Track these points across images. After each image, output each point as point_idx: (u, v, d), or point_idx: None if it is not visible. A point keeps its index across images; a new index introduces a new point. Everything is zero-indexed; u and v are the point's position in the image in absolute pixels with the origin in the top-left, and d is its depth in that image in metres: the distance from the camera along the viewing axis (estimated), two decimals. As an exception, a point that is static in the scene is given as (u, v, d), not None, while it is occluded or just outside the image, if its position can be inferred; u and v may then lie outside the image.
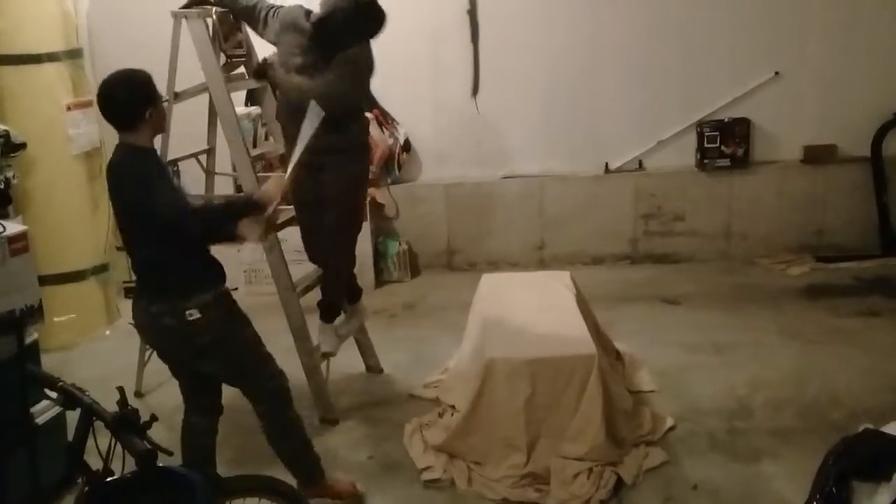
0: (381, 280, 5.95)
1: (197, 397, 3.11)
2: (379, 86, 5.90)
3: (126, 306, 5.55)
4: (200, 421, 3.12)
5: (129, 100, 2.76)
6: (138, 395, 4.33)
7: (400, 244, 6.00)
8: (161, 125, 2.92)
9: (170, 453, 2.01)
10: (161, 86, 3.97)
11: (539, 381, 3.37)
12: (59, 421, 3.31)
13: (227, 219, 2.94)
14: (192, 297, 2.78)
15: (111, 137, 5.37)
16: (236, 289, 5.84)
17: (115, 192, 2.85)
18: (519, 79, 5.87)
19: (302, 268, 4.93)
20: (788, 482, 3.22)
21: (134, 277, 3.00)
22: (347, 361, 4.44)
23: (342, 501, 3.22)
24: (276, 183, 3.10)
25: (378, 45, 5.76)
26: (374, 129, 5.79)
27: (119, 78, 2.80)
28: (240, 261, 5.83)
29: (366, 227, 5.82)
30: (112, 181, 2.86)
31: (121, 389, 2.05)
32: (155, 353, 4.39)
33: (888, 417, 3.39)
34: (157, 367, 4.48)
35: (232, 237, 2.94)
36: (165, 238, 2.75)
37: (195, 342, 2.82)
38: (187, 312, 2.76)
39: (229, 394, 4.32)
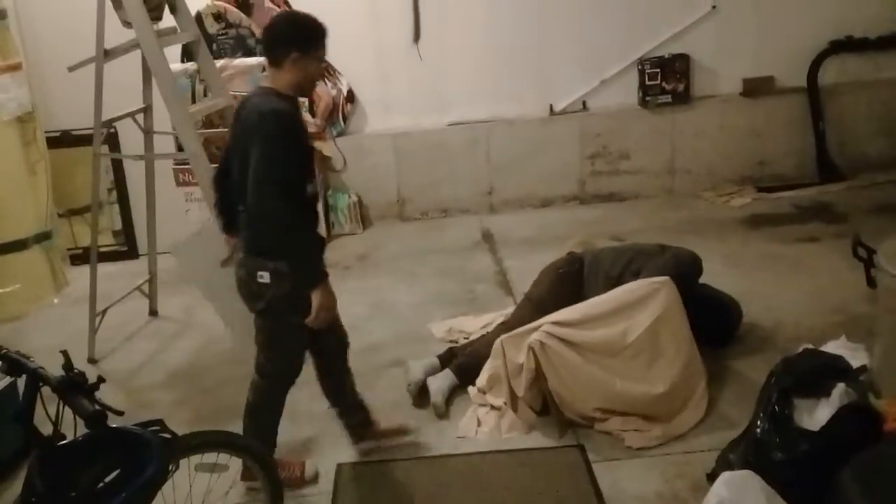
0: (332, 234, 5.93)
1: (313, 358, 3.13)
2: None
3: (73, 274, 5.52)
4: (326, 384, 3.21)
5: (276, 34, 2.71)
6: (91, 361, 4.29)
7: (350, 196, 5.97)
8: (306, 82, 2.76)
9: (119, 413, 2.00)
10: (91, 44, 3.96)
11: None
12: (11, 392, 3.27)
13: (305, 245, 2.72)
14: (272, 260, 2.71)
15: (43, 101, 5.29)
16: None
17: (237, 134, 2.72)
18: (460, 23, 5.82)
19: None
20: (734, 404, 3.34)
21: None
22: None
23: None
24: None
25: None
26: (315, 81, 5.72)
27: (284, 12, 2.81)
28: (188, 221, 5.74)
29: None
30: (237, 121, 2.74)
31: (65, 353, 2.03)
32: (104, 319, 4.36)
33: (827, 337, 3.54)
34: (109, 334, 4.48)
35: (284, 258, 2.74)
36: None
37: (254, 302, 2.81)
38: (259, 273, 2.72)
39: (186, 357, 4.34)
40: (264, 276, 2.71)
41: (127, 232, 5.81)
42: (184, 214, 5.72)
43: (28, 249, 5.02)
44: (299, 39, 2.69)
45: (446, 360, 3.75)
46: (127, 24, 3.88)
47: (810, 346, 3.38)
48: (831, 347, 3.37)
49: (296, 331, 2.86)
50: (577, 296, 3.62)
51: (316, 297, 2.72)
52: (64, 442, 2.04)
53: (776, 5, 5.78)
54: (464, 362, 3.68)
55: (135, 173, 5.41)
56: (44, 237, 5.12)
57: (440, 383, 3.57)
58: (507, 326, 3.65)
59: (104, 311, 4.38)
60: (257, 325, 2.91)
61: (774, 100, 5.91)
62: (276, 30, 2.74)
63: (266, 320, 2.86)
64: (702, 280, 3.86)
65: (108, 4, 3.91)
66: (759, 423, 2.86)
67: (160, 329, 4.70)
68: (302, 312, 2.77)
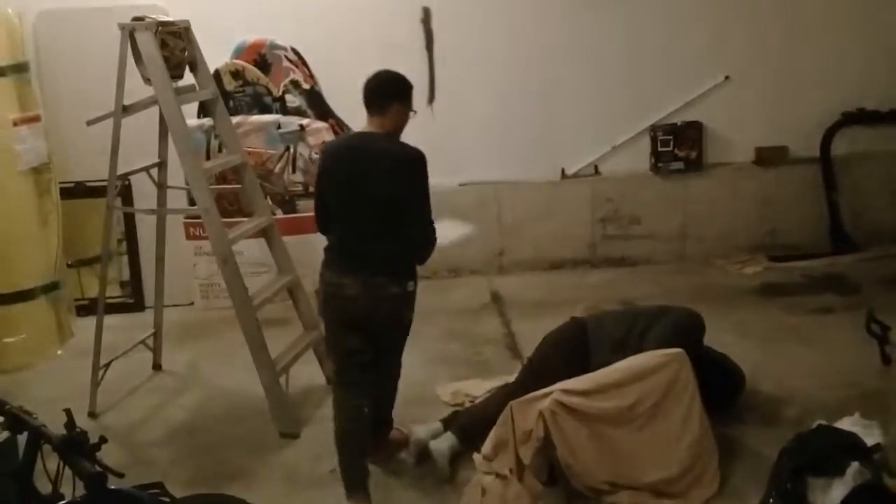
0: (340, 291, 5.90)
1: (363, 374, 3.39)
2: (333, 96, 5.92)
3: (79, 325, 5.49)
4: (363, 404, 3.37)
5: (383, 88, 3.30)
6: (92, 415, 4.22)
7: (359, 254, 5.95)
8: (401, 126, 3.35)
9: (120, 475, 1.97)
10: (109, 98, 4.02)
11: None
12: (10, 447, 3.22)
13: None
14: (411, 276, 3.36)
15: (60, 152, 5.34)
16: (192, 303, 5.76)
17: (366, 175, 3.23)
18: (474, 87, 5.88)
19: (259, 279, 4.89)
20: (747, 480, 3.25)
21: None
22: (306, 374, 4.41)
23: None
24: None
25: (330, 55, 5.79)
26: (330, 140, 5.77)
27: (384, 72, 3.36)
28: (195, 275, 5.74)
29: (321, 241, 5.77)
30: (355, 160, 3.27)
31: (68, 411, 2.00)
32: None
33: (841, 413, 3.47)
34: (111, 387, 4.44)
35: None
36: (410, 237, 3.35)
37: (404, 310, 3.39)
38: (409, 283, 3.34)
39: (187, 414, 4.28)
40: (411, 286, 3.35)
41: (134, 284, 5.78)
42: (191, 269, 5.73)
43: (35, 300, 5.01)
44: (401, 93, 3.32)
45: (450, 423, 3.70)
46: (147, 80, 3.94)
47: (824, 422, 3.31)
48: (845, 424, 3.30)
49: None
50: (582, 361, 3.58)
51: None
52: (62, 503, 2.00)
53: (789, 76, 5.85)
54: (466, 424, 3.64)
55: (145, 225, 5.42)
56: (51, 288, 5.12)
57: (441, 445, 3.53)
58: (507, 389, 3.60)
59: (108, 365, 4.34)
60: (398, 335, 3.52)
61: (787, 169, 5.93)
62: (383, 85, 3.33)
63: (405, 326, 3.49)
64: (711, 348, 3.82)
65: (130, 60, 3.97)
66: (770, 500, 2.79)
67: (163, 384, 4.65)
68: None
